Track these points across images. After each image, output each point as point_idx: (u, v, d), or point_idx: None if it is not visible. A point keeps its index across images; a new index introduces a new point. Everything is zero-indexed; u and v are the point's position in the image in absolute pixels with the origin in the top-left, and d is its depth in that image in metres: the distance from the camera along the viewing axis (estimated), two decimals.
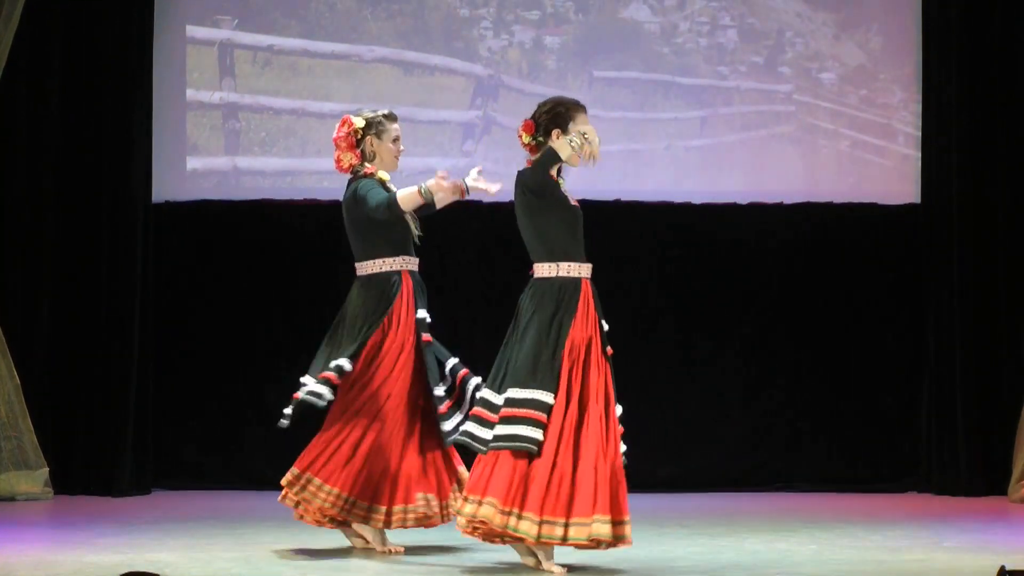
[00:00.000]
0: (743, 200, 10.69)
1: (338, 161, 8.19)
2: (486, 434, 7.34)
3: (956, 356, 10.46)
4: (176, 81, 10.69)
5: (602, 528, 7.16)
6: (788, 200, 10.70)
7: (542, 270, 7.46)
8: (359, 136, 8.15)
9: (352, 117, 8.19)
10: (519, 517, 7.22)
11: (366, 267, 8.14)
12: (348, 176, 8.25)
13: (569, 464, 7.25)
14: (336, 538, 8.28)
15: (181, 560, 7.70)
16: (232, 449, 10.66)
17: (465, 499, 7.31)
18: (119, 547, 8.13)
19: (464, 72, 10.71)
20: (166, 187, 10.66)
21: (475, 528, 7.32)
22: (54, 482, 10.25)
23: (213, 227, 10.73)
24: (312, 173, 10.65)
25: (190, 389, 10.69)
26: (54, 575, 7.32)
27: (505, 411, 7.30)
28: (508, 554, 7.66)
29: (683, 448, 10.54)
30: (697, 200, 10.64)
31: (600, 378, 7.38)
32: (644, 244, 10.70)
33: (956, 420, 10.45)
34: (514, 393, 7.31)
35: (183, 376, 10.70)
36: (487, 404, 7.41)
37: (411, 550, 8.03)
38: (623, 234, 10.55)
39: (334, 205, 10.67)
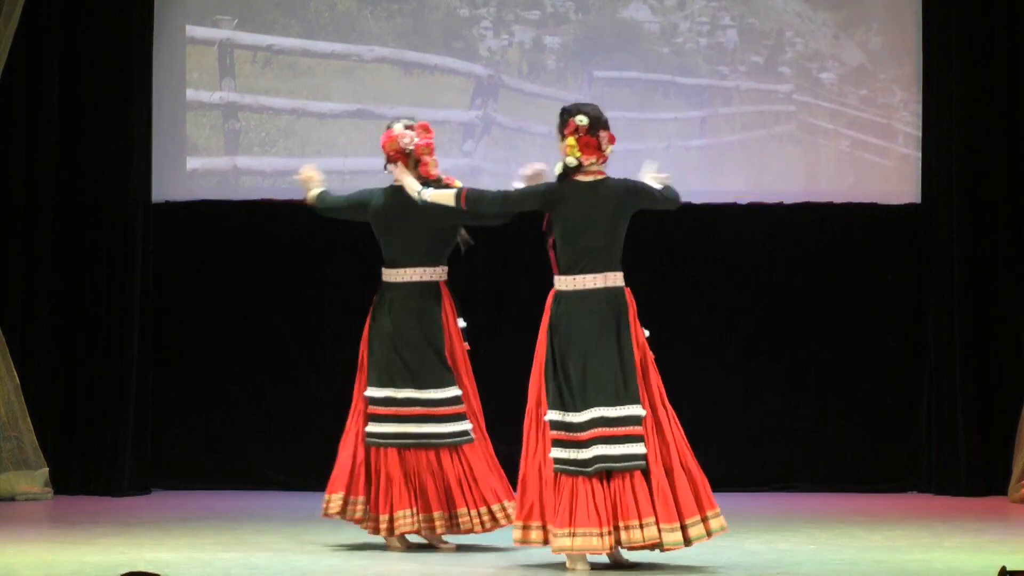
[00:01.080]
0: (743, 200, 10.68)
1: (426, 166, 8.11)
2: (572, 455, 7.29)
3: (956, 356, 10.45)
4: (176, 81, 10.69)
5: (715, 522, 7.36)
6: (788, 200, 10.69)
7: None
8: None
9: (423, 122, 8.21)
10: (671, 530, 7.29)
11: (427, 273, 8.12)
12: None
13: (661, 470, 7.30)
14: (335, 537, 8.29)
15: (181, 560, 7.70)
16: (232, 449, 10.66)
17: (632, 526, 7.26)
18: (119, 547, 8.13)
19: (464, 72, 10.71)
20: (166, 187, 10.65)
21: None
22: (54, 482, 10.25)
23: (213, 227, 10.72)
24: None
25: (190, 389, 10.69)
26: (54, 575, 7.32)
27: (601, 431, 7.24)
28: (501, 553, 7.66)
29: None
30: (697, 200, 10.62)
31: (659, 380, 7.44)
32: (644, 244, 10.67)
33: (956, 420, 10.44)
34: (605, 412, 7.28)
35: (183, 376, 10.69)
36: (567, 426, 7.32)
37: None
38: None
39: None
